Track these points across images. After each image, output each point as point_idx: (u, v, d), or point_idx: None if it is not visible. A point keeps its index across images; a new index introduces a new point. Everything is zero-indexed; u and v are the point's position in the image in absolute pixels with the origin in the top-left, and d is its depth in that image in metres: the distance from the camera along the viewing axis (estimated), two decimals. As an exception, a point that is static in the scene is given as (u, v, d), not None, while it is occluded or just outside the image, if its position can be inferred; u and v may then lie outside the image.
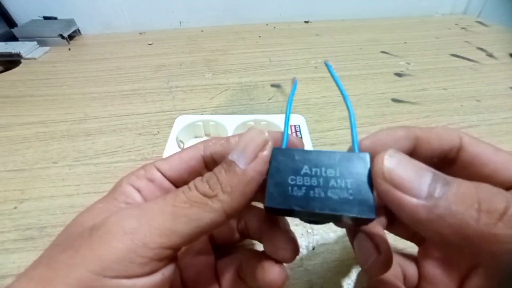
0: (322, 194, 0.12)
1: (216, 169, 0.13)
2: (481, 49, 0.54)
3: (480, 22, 0.68)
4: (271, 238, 0.15)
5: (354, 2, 0.70)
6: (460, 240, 0.10)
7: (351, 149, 0.13)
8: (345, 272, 0.21)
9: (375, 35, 0.61)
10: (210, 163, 0.15)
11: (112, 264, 0.10)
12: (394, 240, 0.20)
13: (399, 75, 0.47)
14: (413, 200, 0.10)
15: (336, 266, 0.22)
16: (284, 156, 0.13)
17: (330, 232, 0.24)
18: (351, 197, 0.12)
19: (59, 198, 0.27)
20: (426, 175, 0.10)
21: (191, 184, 0.13)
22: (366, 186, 0.12)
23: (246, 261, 0.17)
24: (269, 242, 0.15)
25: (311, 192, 0.12)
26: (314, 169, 0.12)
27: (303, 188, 0.12)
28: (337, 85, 0.15)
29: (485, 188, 0.10)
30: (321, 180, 0.12)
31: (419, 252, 0.17)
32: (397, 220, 0.17)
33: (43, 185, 0.28)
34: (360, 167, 0.12)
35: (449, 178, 0.10)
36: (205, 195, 0.12)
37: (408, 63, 0.50)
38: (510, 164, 0.13)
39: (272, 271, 0.15)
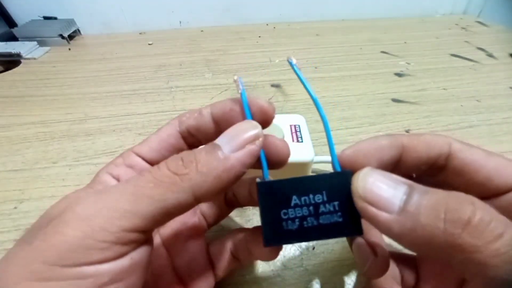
0: (315, 223, 0.12)
1: (197, 149, 0.12)
2: (481, 49, 0.54)
3: (480, 22, 0.68)
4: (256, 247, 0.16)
5: (354, 2, 0.70)
6: (431, 251, 0.10)
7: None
8: (345, 272, 0.21)
9: (375, 35, 0.61)
10: (187, 138, 0.15)
11: (67, 253, 0.10)
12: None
13: (399, 75, 0.47)
14: (386, 216, 0.10)
15: (336, 266, 0.22)
16: (270, 190, 0.13)
17: (330, 232, 0.24)
18: (340, 219, 0.12)
19: (59, 198, 0.27)
20: (399, 189, 0.11)
21: (161, 163, 0.12)
22: (352, 205, 0.12)
23: (239, 240, 0.18)
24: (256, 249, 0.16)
25: (304, 222, 0.12)
26: (303, 198, 0.12)
27: (296, 220, 0.12)
28: (304, 86, 0.14)
29: (454, 198, 0.10)
30: (311, 208, 0.12)
31: None
32: None
33: (43, 185, 0.28)
34: (344, 186, 0.12)
35: (423, 190, 0.10)
36: (175, 172, 0.11)
37: (408, 63, 0.50)
38: (502, 169, 0.13)
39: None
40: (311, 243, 0.23)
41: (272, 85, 0.44)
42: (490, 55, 0.52)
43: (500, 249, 0.08)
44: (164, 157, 0.15)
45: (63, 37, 0.58)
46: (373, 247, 0.14)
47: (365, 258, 0.14)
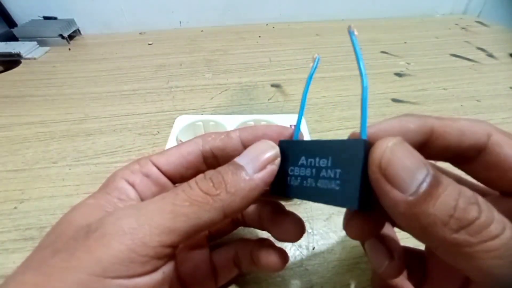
0: (313, 184, 0.13)
1: (222, 169, 0.13)
2: (481, 49, 0.54)
3: (480, 22, 0.68)
4: (280, 222, 0.17)
5: (354, 2, 0.70)
6: (425, 236, 0.10)
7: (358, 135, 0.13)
8: (345, 272, 0.21)
9: (375, 35, 0.61)
10: (209, 158, 0.15)
11: (112, 265, 0.10)
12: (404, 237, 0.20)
13: (399, 75, 0.47)
14: (397, 194, 0.10)
15: (336, 266, 0.22)
16: (287, 148, 0.14)
17: (330, 232, 0.24)
18: (337, 188, 0.12)
19: (59, 198, 0.27)
20: (420, 172, 0.10)
21: (191, 182, 0.13)
22: (354, 177, 0.11)
23: (242, 249, 0.18)
24: (278, 225, 0.17)
25: (304, 182, 0.13)
26: (309, 160, 0.13)
27: (299, 178, 0.13)
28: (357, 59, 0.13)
29: (466, 196, 0.10)
30: (313, 170, 0.13)
31: (426, 247, 0.17)
32: None
33: (43, 185, 0.28)
34: (353, 156, 0.11)
35: (439, 178, 0.10)
36: (207, 193, 0.12)
37: (408, 63, 0.50)
38: None
39: (274, 255, 0.17)
40: (311, 243, 0.23)
41: (272, 85, 0.44)
42: (490, 55, 0.52)
43: (492, 247, 0.09)
44: (180, 173, 0.15)
45: (63, 37, 0.58)
46: (388, 248, 0.14)
47: (381, 260, 0.14)
